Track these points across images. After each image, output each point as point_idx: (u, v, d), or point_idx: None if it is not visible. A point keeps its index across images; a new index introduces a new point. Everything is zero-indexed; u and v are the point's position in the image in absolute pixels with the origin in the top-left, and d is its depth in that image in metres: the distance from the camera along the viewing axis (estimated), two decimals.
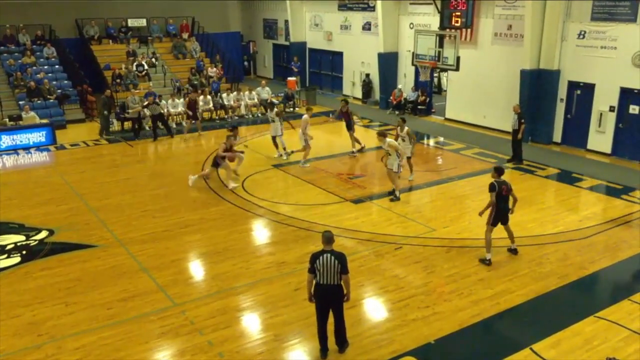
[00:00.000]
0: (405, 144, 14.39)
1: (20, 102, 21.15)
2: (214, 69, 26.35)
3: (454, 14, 20.23)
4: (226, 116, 22.86)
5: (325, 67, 29.17)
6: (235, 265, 10.37)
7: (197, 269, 10.56)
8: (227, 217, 12.74)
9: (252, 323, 8.66)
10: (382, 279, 9.72)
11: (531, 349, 7.80)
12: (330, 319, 7.59)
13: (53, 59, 24.86)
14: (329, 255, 7.24)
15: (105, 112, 20.21)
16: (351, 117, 17.80)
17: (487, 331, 8.37)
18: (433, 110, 23.50)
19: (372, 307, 9.02)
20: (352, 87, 27.18)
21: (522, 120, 15.95)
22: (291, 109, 24.35)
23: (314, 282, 7.37)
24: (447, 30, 20.18)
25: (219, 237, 11.66)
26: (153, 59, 26.14)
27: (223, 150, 14.26)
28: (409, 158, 14.63)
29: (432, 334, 8.19)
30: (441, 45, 19.10)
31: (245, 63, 33.99)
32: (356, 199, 13.71)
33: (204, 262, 10.74)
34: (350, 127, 17.71)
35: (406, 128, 14.54)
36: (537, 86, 18.36)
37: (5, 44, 24.72)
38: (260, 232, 12.16)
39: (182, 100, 22.12)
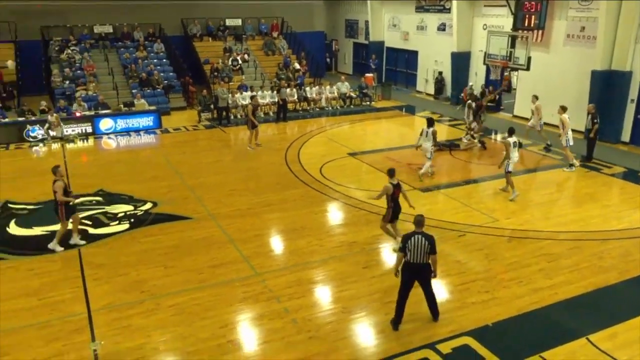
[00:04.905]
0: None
1: (133, 91, 22.20)
2: (296, 64, 26.56)
3: (527, 16, 19.29)
4: (308, 107, 23.06)
5: (400, 65, 28.69)
6: (310, 243, 10.49)
7: (276, 244, 10.76)
8: (306, 199, 12.88)
9: (323, 295, 8.74)
10: (445, 263, 9.51)
11: (587, 339, 7.41)
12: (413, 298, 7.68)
13: (161, 54, 25.87)
14: (420, 236, 7.34)
15: (200, 107, 21.32)
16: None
17: (544, 319, 7.99)
18: (502, 108, 22.62)
19: (434, 289, 8.85)
20: (425, 84, 26.61)
21: (595, 121, 15.05)
22: (367, 103, 24.20)
23: (404, 260, 7.48)
24: (520, 31, 19.27)
25: (297, 216, 11.81)
26: (246, 55, 26.71)
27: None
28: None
29: (490, 317, 7.96)
30: (513, 45, 18.28)
31: (328, 60, 34.04)
32: (424, 188, 13.47)
33: (283, 238, 10.94)
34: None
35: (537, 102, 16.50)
36: (607, 87, 17.20)
37: (122, 40, 26.04)
38: (335, 214, 12.21)
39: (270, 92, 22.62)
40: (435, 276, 7.64)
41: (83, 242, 10.48)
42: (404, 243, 7.41)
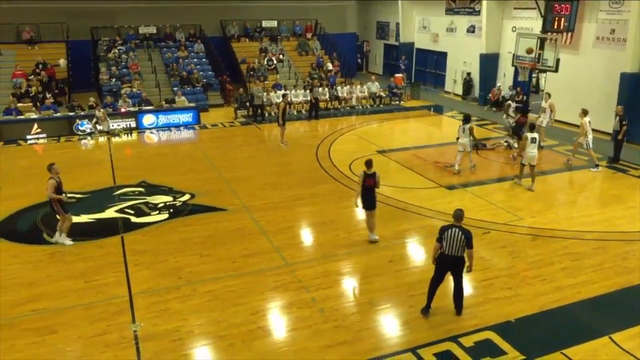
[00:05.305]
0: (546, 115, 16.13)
1: (174, 89, 22.50)
2: (329, 64, 26.52)
3: (556, 18, 18.77)
4: (339, 106, 23.01)
5: (430, 66, 28.31)
6: (338, 236, 10.50)
7: (306, 236, 10.79)
8: (335, 193, 12.88)
9: (349, 286, 8.75)
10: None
11: (610, 337, 7.22)
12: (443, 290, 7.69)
13: (201, 54, 26.15)
14: (457, 229, 7.34)
15: (236, 105, 21.60)
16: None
17: (567, 316, 7.82)
18: (529, 109, 22.07)
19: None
20: (453, 85, 26.23)
21: (624, 122, 14.60)
22: (397, 102, 24.01)
23: (440, 251, 7.49)
24: (549, 33, 18.78)
25: (326, 210, 11.83)
26: (281, 55, 26.81)
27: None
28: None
29: (512, 313, 7.82)
30: (542, 47, 17.83)
31: (359, 60, 33.87)
32: (450, 186, 13.31)
33: (313, 231, 10.96)
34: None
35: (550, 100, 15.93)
36: (637, 89, 16.60)
37: (165, 40, 26.48)
38: (362, 209, 12.14)
39: (303, 91, 22.67)
40: (470, 270, 7.57)
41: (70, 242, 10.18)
42: (440, 234, 7.44)
